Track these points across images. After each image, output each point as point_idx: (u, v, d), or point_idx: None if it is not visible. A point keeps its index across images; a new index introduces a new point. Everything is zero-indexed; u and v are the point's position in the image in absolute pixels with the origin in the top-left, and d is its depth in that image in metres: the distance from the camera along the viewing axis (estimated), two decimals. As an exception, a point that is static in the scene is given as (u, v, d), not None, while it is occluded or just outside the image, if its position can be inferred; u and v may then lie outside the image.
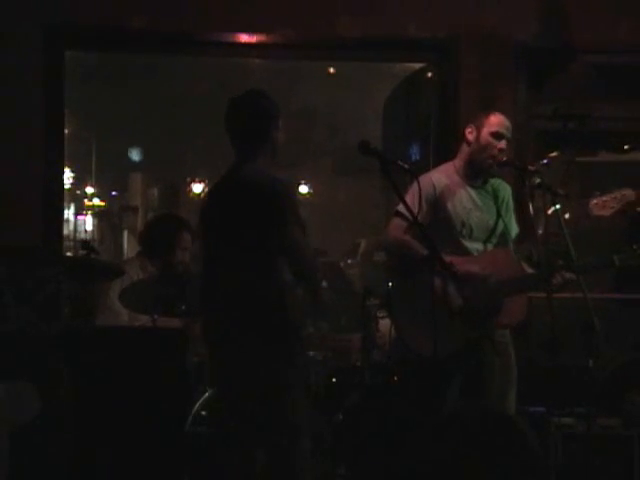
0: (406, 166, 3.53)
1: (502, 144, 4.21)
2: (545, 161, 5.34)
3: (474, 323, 4.01)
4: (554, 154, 5.73)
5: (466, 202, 4.24)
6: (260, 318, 3.57)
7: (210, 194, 3.87)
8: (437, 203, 4.21)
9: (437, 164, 4.72)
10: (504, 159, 4.23)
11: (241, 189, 3.65)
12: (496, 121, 4.24)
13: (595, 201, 4.14)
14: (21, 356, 4.06)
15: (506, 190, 4.36)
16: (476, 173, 4.28)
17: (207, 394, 4.53)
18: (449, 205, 4.22)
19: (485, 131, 4.22)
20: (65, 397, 4.05)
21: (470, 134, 4.27)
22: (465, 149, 4.30)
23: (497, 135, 4.21)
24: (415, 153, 6.68)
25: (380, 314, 5.02)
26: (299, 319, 3.62)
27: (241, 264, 3.61)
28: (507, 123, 4.25)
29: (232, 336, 3.60)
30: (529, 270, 4.16)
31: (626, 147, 6.09)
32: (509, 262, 4.14)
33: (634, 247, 4.05)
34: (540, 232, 4.05)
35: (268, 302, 3.57)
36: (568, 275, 4.02)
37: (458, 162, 4.32)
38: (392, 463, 4.31)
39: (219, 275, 3.68)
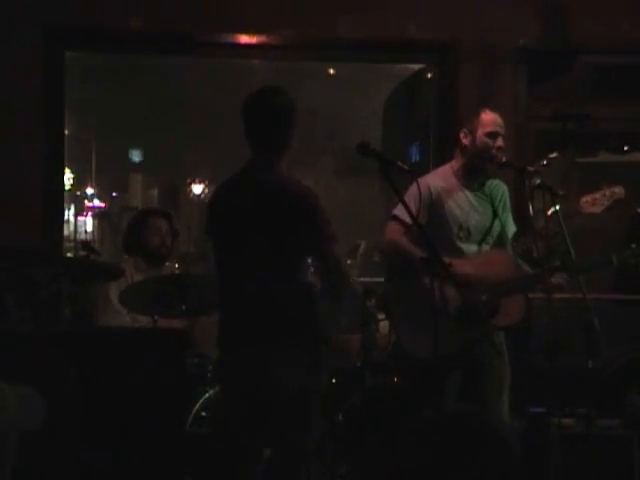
0: (406, 167, 3.52)
1: (499, 142, 4.19)
2: (545, 162, 5.33)
3: (472, 324, 4.01)
4: (554, 155, 5.73)
5: (464, 205, 4.24)
6: (287, 321, 3.50)
7: (225, 194, 3.70)
8: (433, 206, 4.20)
9: (437, 165, 4.73)
10: (504, 160, 4.23)
11: (270, 193, 3.53)
12: (489, 120, 4.20)
13: (585, 199, 4.16)
14: (22, 356, 4.06)
15: (503, 189, 4.36)
16: (474, 176, 4.27)
17: (207, 394, 4.53)
18: (446, 208, 4.21)
19: (480, 133, 4.20)
20: (71, 397, 4.05)
21: (465, 138, 4.24)
22: (461, 153, 4.28)
23: (492, 134, 4.19)
24: (415, 154, 6.69)
25: (379, 316, 5.02)
26: (323, 322, 3.56)
27: (269, 267, 3.50)
28: (499, 119, 4.22)
29: (257, 338, 3.51)
30: (526, 268, 4.16)
31: (626, 148, 6.09)
32: (506, 263, 4.14)
33: (633, 246, 4.05)
34: (540, 229, 4.05)
35: (295, 305, 3.50)
36: (565, 276, 4.03)
37: (455, 165, 4.31)
38: (392, 464, 4.31)
39: (243, 277, 3.55)
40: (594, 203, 4.14)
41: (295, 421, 3.50)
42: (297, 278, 3.53)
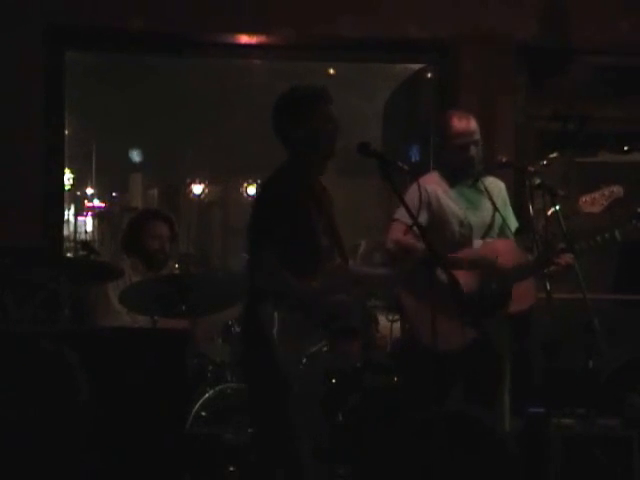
0: (406, 167, 3.52)
1: (471, 152, 4.17)
2: (545, 162, 5.33)
3: (486, 313, 4.00)
4: (554, 155, 5.72)
5: (461, 202, 4.26)
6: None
7: None
8: (432, 205, 4.21)
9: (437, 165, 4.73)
10: (504, 160, 4.23)
11: None
12: (455, 132, 4.19)
13: (584, 198, 4.16)
14: (22, 356, 4.06)
15: (499, 186, 4.37)
16: (463, 175, 4.28)
17: (207, 394, 4.53)
18: (444, 206, 4.23)
19: (449, 144, 4.21)
20: (79, 397, 4.05)
21: (438, 147, 4.28)
22: (439, 159, 4.32)
23: (461, 146, 4.18)
24: (415, 154, 6.69)
25: (391, 317, 5.00)
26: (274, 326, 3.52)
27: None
28: (469, 127, 4.19)
29: None
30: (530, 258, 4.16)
31: (626, 148, 6.08)
32: (511, 250, 4.15)
33: (633, 222, 4.05)
34: (541, 228, 4.06)
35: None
36: (571, 256, 4.02)
37: (442, 168, 4.34)
38: (392, 464, 4.31)
39: None
40: (593, 203, 4.14)
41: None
42: (254, 280, 3.55)
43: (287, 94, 3.65)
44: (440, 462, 3.59)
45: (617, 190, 4.17)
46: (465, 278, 3.91)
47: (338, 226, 3.66)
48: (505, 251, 4.14)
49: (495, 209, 4.26)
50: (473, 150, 4.17)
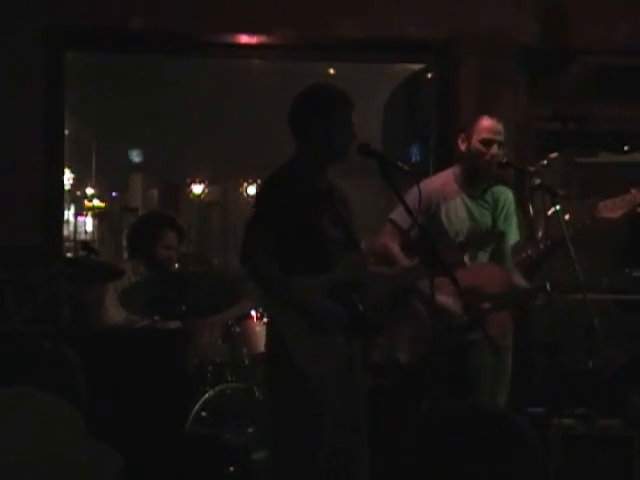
0: (406, 168, 3.51)
1: (493, 150, 4.13)
2: (545, 162, 5.32)
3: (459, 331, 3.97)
4: (554, 155, 5.72)
5: (460, 212, 4.20)
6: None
7: None
8: (430, 212, 4.18)
9: (437, 165, 4.73)
10: (504, 160, 4.20)
11: None
12: (484, 127, 4.15)
13: (604, 203, 4.07)
14: (22, 357, 4.05)
15: (506, 196, 4.29)
16: (474, 181, 4.23)
17: (207, 394, 4.53)
18: (443, 214, 4.18)
19: (474, 139, 4.15)
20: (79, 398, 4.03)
21: (462, 143, 4.20)
22: (459, 158, 4.26)
23: (486, 142, 4.13)
24: (415, 154, 6.68)
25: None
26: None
27: None
28: (498, 126, 4.16)
29: None
30: (520, 281, 4.10)
31: (626, 148, 6.08)
32: (496, 277, 4.08)
33: (627, 270, 4.02)
34: (540, 234, 4.03)
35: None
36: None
37: (456, 170, 4.28)
38: (391, 464, 4.30)
39: None
40: (612, 208, 4.05)
41: None
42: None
43: (315, 88, 3.64)
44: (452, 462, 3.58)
45: (638, 194, 4.07)
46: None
47: (350, 222, 3.67)
48: (490, 277, 4.09)
49: (494, 225, 4.21)
50: (496, 149, 4.14)
